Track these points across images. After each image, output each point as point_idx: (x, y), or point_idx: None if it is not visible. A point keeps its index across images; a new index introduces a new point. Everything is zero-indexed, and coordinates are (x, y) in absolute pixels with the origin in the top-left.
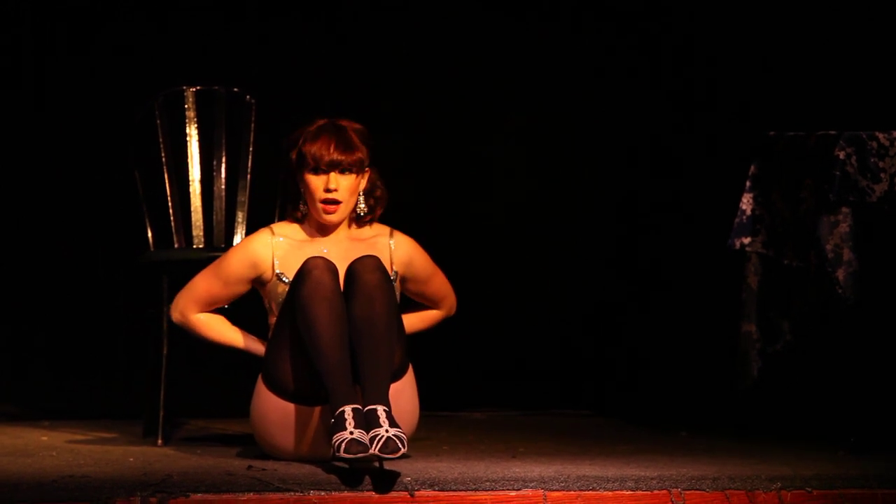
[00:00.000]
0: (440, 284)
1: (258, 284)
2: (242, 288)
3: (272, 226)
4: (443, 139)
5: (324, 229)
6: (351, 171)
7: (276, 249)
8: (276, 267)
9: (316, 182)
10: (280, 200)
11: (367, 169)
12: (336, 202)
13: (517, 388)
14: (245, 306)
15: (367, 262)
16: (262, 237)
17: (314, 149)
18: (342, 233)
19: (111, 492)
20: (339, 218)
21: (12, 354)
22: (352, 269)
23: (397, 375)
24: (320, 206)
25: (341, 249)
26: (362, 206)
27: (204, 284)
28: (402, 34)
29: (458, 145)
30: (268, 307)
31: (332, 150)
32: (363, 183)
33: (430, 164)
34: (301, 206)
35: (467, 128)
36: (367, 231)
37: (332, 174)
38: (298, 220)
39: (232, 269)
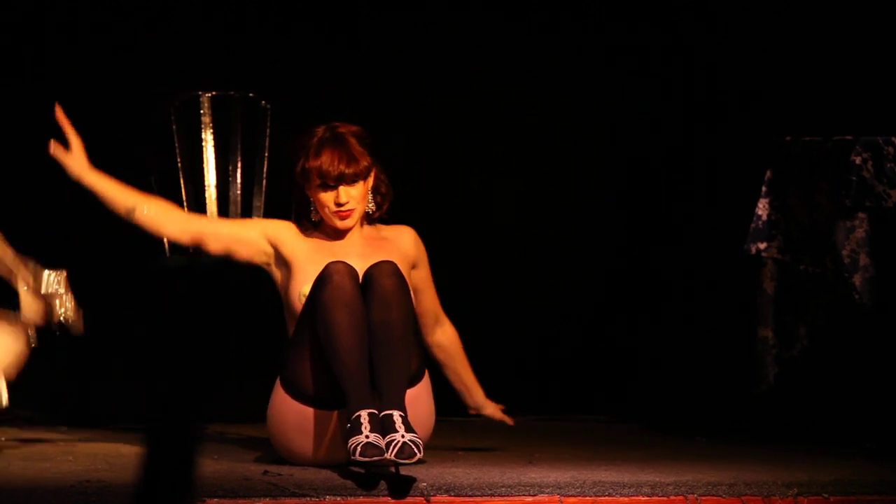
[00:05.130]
0: (433, 299)
1: (279, 264)
2: (250, 237)
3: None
4: (452, 141)
5: (338, 233)
6: (358, 181)
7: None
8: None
9: (326, 196)
10: (294, 207)
11: (372, 170)
12: (349, 211)
13: (533, 393)
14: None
15: (383, 268)
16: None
17: (319, 164)
18: (356, 234)
19: (128, 498)
20: (354, 222)
21: (30, 359)
22: (368, 274)
23: (414, 381)
24: (333, 215)
25: (357, 249)
26: (370, 203)
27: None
28: (413, 40)
29: (469, 146)
30: (285, 306)
31: (337, 165)
32: (370, 181)
33: (441, 165)
34: (313, 214)
35: (478, 129)
36: (383, 230)
37: (341, 188)
38: (313, 226)
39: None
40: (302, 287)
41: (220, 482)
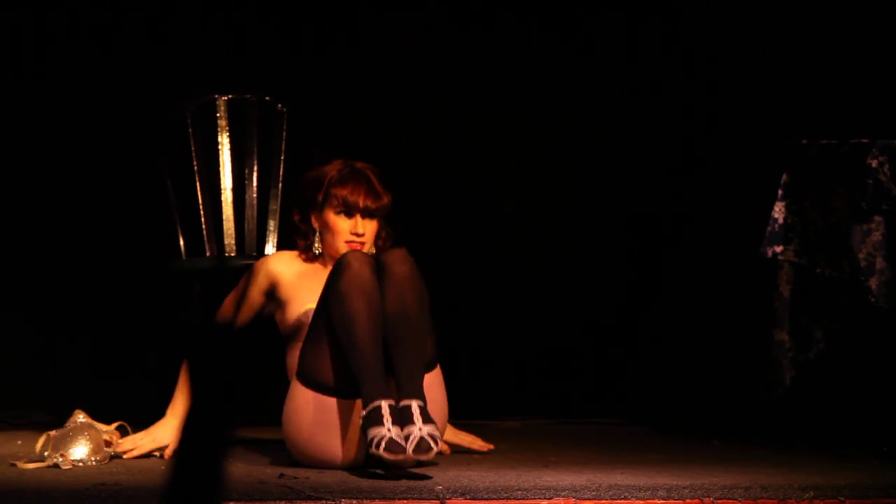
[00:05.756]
0: None
1: (274, 305)
2: (260, 298)
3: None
4: (452, 141)
5: None
6: (376, 217)
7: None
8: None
9: (342, 224)
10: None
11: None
12: (361, 244)
13: (549, 396)
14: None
15: (396, 254)
16: (284, 253)
17: (345, 193)
18: None
19: (143, 500)
20: None
21: (46, 362)
22: (381, 262)
23: (429, 367)
24: (344, 244)
25: None
26: (371, 248)
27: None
28: (414, 40)
29: (469, 146)
30: (284, 336)
31: (363, 197)
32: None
33: (441, 165)
34: (315, 246)
35: (478, 129)
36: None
37: (359, 219)
38: (312, 257)
39: (251, 278)
40: (303, 306)
41: (235, 485)
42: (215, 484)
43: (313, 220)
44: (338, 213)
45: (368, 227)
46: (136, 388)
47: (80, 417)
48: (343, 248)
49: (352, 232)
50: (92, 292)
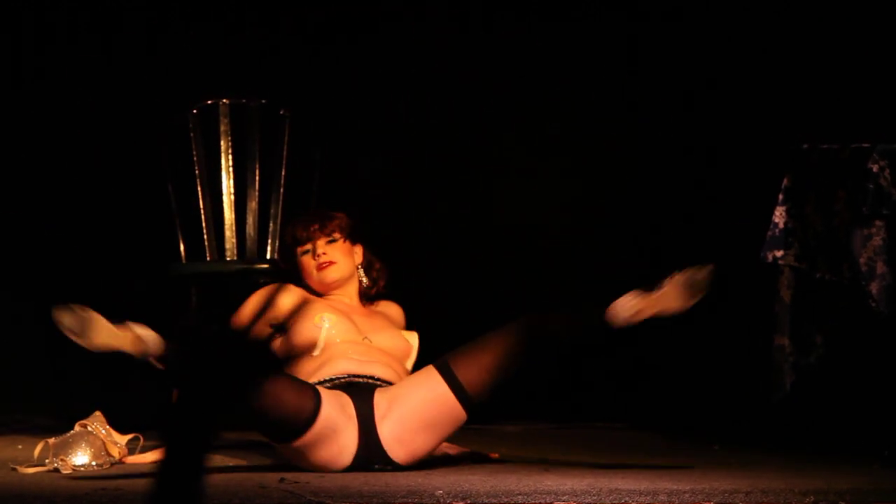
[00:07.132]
0: None
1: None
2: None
3: None
4: (452, 141)
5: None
6: (334, 238)
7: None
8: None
9: (307, 258)
10: None
11: (357, 243)
12: (330, 262)
13: (550, 400)
14: None
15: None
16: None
17: (297, 229)
18: (355, 302)
19: None
20: (338, 275)
21: (46, 364)
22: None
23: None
24: (317, 274)
25: (355, 308)
26: (364, 279)
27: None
28: (425, 46)
29: (469, 146)
30: (296, 348)
31: (311, 223)
32: (358, 256)
33: (441, 165)
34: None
35: (477, 128)
36: (377, 304)
37: (318, 242)
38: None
39: (258, 293)
40: (315, 317)
41: (237, 489)
42: (197, 490)
43: (294, 271)
44: (302, 254)
45: (330, 249)
46: (136, 389)
47: (96, 423)
48: (318, 278)
49: (313, 257)
50: (92, 294)
